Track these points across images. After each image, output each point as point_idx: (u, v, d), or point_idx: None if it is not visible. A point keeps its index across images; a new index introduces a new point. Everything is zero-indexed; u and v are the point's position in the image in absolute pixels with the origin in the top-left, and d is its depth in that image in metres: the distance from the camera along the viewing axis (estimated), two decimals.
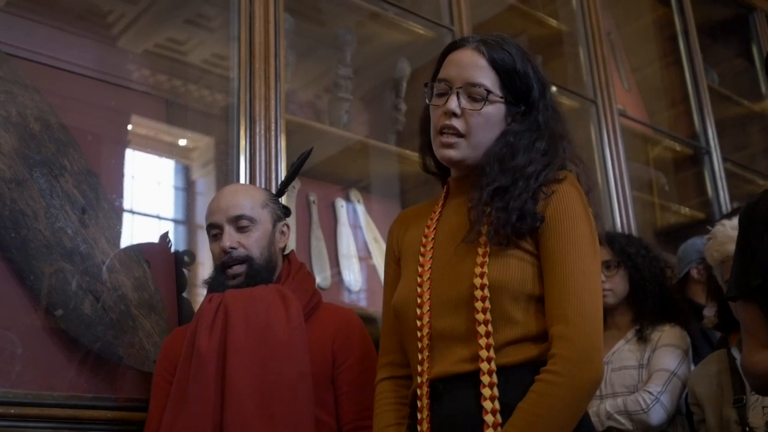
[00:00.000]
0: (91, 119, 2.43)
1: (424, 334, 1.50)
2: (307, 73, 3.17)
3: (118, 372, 2.08)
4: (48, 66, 2.39)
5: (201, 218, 2.62)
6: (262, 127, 2.44)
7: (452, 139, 1.56)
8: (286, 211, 2.06)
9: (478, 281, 1.46)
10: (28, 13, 2.49)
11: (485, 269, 1.47)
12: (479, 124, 1.56)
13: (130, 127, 2.64)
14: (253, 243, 1.91)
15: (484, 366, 1.42)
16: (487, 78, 1.57)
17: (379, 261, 2.93)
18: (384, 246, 2.96)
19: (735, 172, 4.35)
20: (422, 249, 1.60)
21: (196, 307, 2.25)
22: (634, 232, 3.33)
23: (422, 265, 1.57)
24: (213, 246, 1.94)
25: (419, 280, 1.56)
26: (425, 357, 1.50)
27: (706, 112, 4.23)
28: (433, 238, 1.61)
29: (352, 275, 2.85)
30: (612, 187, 3.45)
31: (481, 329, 1.44)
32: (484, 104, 1.55)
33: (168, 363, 1.87)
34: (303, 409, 1.72)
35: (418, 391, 1.50)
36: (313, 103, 3.19)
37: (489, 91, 1.56)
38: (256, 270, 1.89)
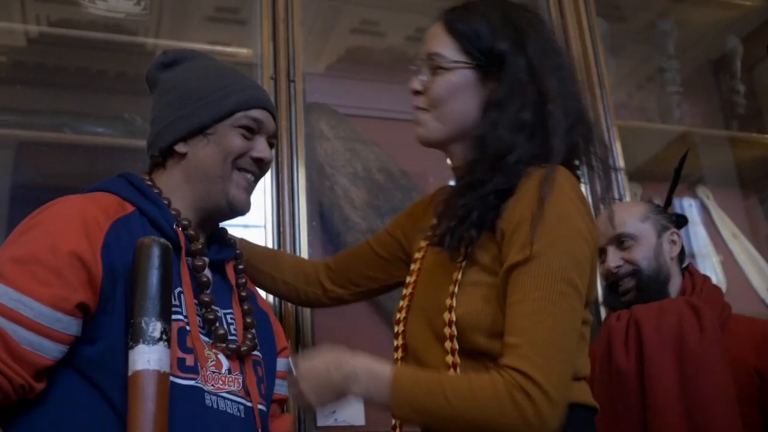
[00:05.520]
0: (425, 161, 2.45)
1: (399, 354, 1.38)
2: (617, 73, 3.01)
3: None
4: (377, 118, 2.48)
5: None
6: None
7: (417, 116, 1.39)
8: (679, 220, 2.00)
9: (446, 316, 1.27)
10: (347, 72, 2.60)
11: (454, 301, 1.27)
12: (439, 94, 1.36)
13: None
14: (637, 257, 1.88)
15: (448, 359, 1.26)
16: (441, 45, 1.38)
17: (741, 257, 2.75)
18: (744, 242, 2.74)
19: None
20: (416, 255, 1.46)
21: None
22: None
23: (411, 274, 1.44)
24: (599, 268, 1.93)
25: (403, 299, 1.42)
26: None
27: None
28: (428, 244, 1.42)
29: (714, 276, 2.65)
30: None
31: (449, 359, 1.26)
32: (438, 72, 1.36)
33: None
34: (728, 422, 1.64)
35: None
36: (638, 103, 3.04)
37: (438, 57, 1.36)
38: (645, 282, 1.86)
